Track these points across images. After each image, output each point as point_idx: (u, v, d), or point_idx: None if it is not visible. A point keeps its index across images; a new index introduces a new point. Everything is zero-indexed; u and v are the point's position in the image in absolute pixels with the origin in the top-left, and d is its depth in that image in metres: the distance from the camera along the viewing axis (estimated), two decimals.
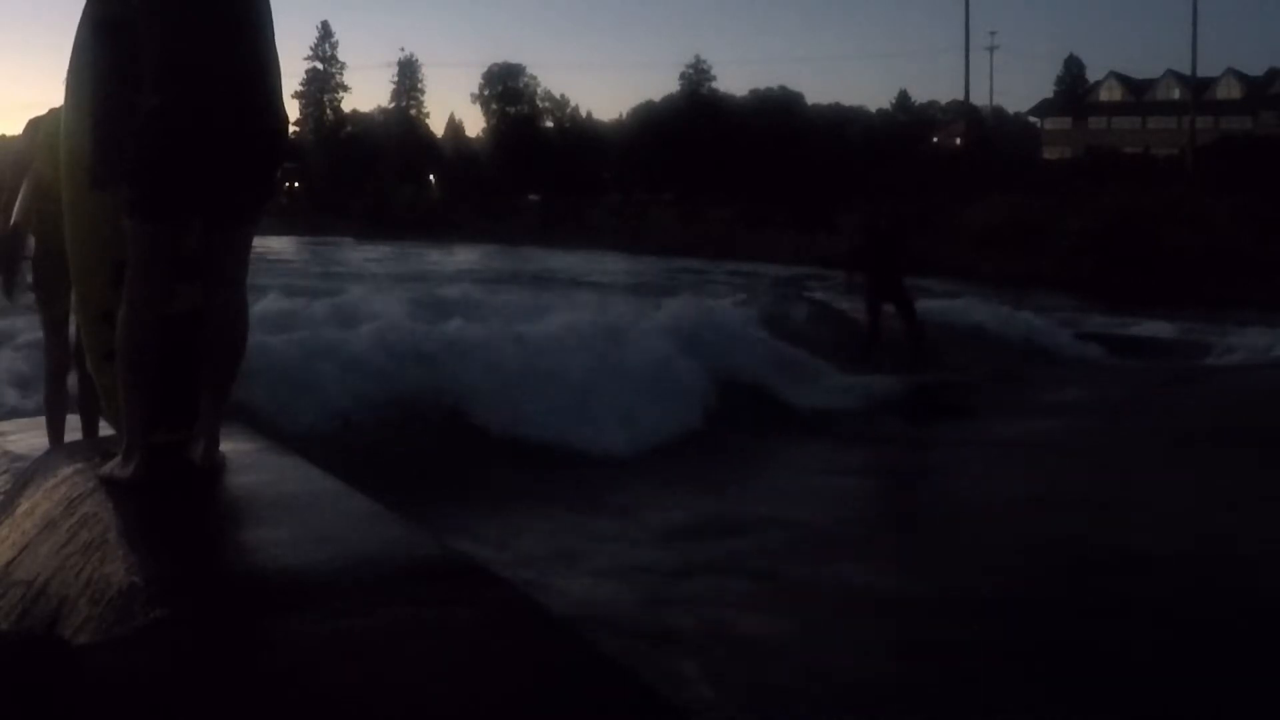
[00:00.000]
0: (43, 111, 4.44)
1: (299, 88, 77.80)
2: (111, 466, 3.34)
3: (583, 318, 11.92)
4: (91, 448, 3.94)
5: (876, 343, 13.35)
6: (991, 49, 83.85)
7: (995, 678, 4.59)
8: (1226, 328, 18.63)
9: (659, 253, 42.81)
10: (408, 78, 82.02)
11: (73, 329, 4.29)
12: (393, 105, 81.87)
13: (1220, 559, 6.07)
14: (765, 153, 58.92)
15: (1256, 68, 74.00)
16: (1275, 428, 9.79)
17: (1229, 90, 72.40)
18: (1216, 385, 13.18)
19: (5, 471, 4.57)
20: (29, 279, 4.65)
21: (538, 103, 77.73)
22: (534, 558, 6.17)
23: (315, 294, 15.28)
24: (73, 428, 4.63)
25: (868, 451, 9.90)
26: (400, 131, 76.78)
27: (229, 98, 3.20)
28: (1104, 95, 78.88)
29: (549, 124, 77.41)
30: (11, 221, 4.42)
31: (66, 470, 3.60)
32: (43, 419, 4.87)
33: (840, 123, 68.59)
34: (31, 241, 4.53)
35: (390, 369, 9.57)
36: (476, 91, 78.34)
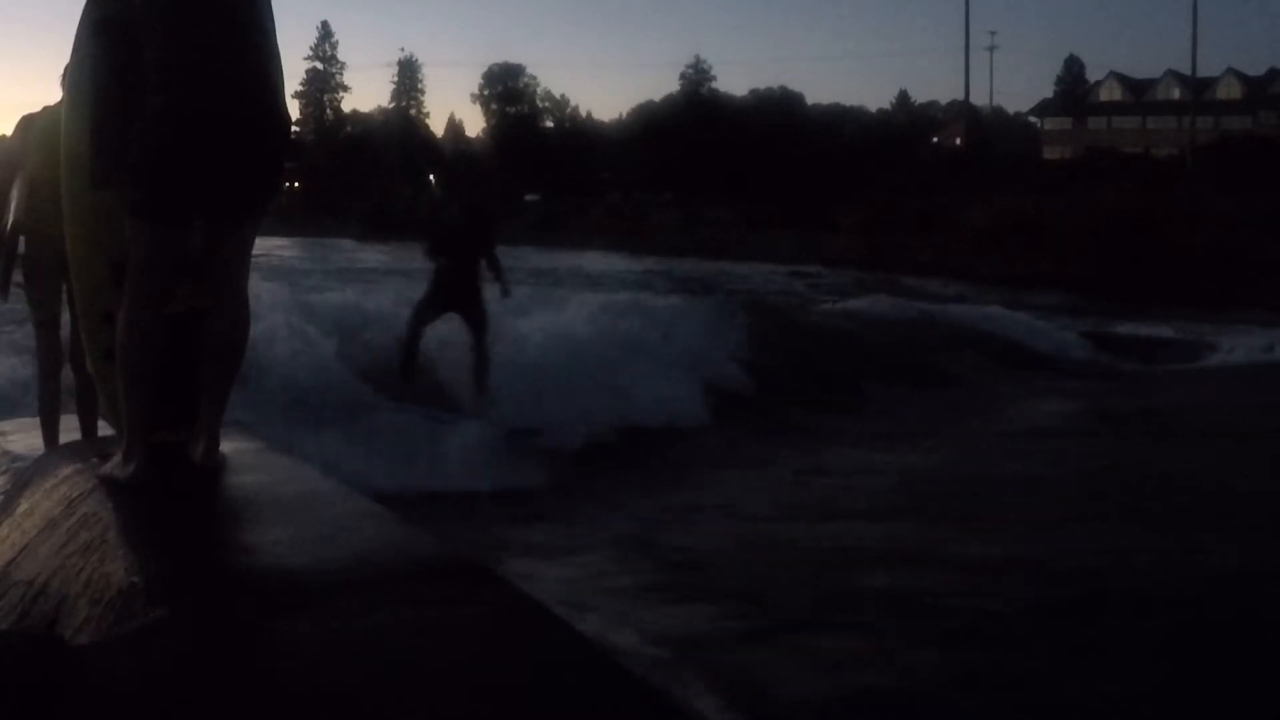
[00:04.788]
0: (36, 109, 4.42)
1: (299, 88, 77.99)
2: (111, 466, 3.34)
3: (573, 317, 11.99)
4: (91, 448, 3.93)
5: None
6: (991, 49, 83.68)
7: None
8: (1226, 328, 18.62)
9: (659, 253, 42.83)
10: (408, 78, 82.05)
11: (65, 328, 4.28)
12: (393, 105, 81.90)
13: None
14: (765, 153, 58.91)
15: (1256, 68, 74.16)
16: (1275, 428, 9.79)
17: (1229, 90, 72.39)
18: (1216, 386, 13.18)
19: (5, 471, 4.56)
20: (20, 278, 4.62)
21: (538, 103, 77.79)
22: (526, 554, 6.17)
23: (316, 294, 15.31)
24: (70, 427, 4.62)
25: (858, 448, 9.91)
26: (400, 132, 76.74)
27: (232, 98, 3.19)
28: (1104, 95, 78.86)
29: (549, 124, 77.41)
30: (10, 223, 4.40)
31: (66, 470, 3.59)
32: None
33: (840, 122, 68.57)
34: (22, 240, 4.50)
35: (375, 362, 9.63)
36: (476, 91, 78.52)
